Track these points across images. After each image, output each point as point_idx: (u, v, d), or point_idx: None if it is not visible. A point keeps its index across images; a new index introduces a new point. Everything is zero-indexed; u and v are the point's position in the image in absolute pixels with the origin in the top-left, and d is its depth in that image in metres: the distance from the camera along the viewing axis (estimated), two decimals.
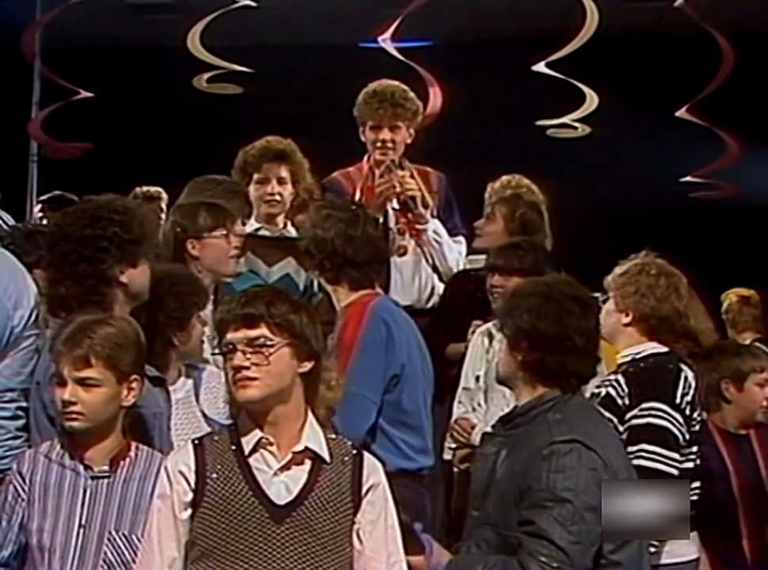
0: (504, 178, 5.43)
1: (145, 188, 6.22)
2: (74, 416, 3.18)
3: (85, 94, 8.01)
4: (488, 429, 3.49)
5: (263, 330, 2.97)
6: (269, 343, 2.96)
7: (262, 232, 5.09)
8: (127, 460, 3.23)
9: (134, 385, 3.26)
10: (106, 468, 3.20)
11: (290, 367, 2.99)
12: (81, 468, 3.19)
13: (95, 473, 3.19)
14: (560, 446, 3.09)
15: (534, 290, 3.32)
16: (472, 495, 3.35)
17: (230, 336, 2.99)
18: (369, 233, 4.21)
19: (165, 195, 6.08)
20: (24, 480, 3.19)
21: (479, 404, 4.68)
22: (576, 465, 3.07)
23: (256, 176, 5.12)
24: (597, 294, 4.02)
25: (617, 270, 4.06)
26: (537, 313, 3.23)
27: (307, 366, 3.01)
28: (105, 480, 3.19)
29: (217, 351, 3.06)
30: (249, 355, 2.96)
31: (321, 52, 8.91)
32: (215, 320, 3.15)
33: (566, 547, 3.01)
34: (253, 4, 7.59)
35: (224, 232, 4.29)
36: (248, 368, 2.96)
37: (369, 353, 4.02)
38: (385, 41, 7.36)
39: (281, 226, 5.10)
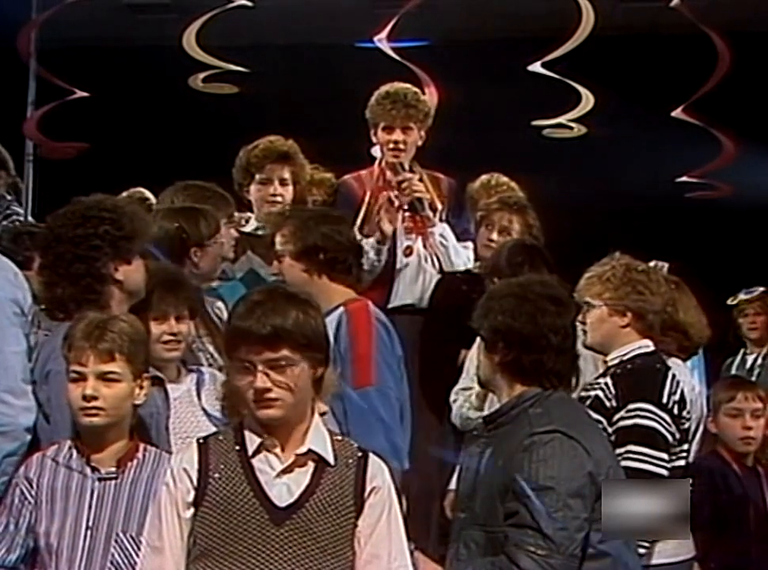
0: (485, 178, 5.46)
1: (133, 192, 6.09)
2: (94, 411, 3.16)
3: (80, 94, 7.97)
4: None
5: (285, 351, 2.90)
6: (292, 363, 2.91)
7: (261, 231, 5.08)
8: (135, 461, 3.23)
9: (144, 383, 3.26)
10: (113, 469, 3.19)
11: (310, 379, 2.96)
12: (88, 470, 3.19)
13: (102, 474, 3.19)
14: (541, 436, 3.11)
15: (508, 292, 3.35)
16: (459, 497, 3.37)
17: (248, 354, 2.90)
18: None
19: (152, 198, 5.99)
20: (31, 485, 3.18)
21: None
22: (558, 454, 3.09)
23: (258, 176, 5.13)
24: (588, 299, 4.02)
25: (593, 279, 4.05)
26: (512, 313, 3.25)
27: (320, 372, 2.98)
28: (113, 482, 3.20)
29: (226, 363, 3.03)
30: (270, 376, 2.89)
31: (316, 52, 8.91)
32: (226, 329, 3.08)
33: (552, 534, 3.02)
34: (249, 4, 7.55)
35: (221, 240, 4.29)
36: (270, 390, 2.90)
37: None
38: (381, 41, 7.34)
39: None
